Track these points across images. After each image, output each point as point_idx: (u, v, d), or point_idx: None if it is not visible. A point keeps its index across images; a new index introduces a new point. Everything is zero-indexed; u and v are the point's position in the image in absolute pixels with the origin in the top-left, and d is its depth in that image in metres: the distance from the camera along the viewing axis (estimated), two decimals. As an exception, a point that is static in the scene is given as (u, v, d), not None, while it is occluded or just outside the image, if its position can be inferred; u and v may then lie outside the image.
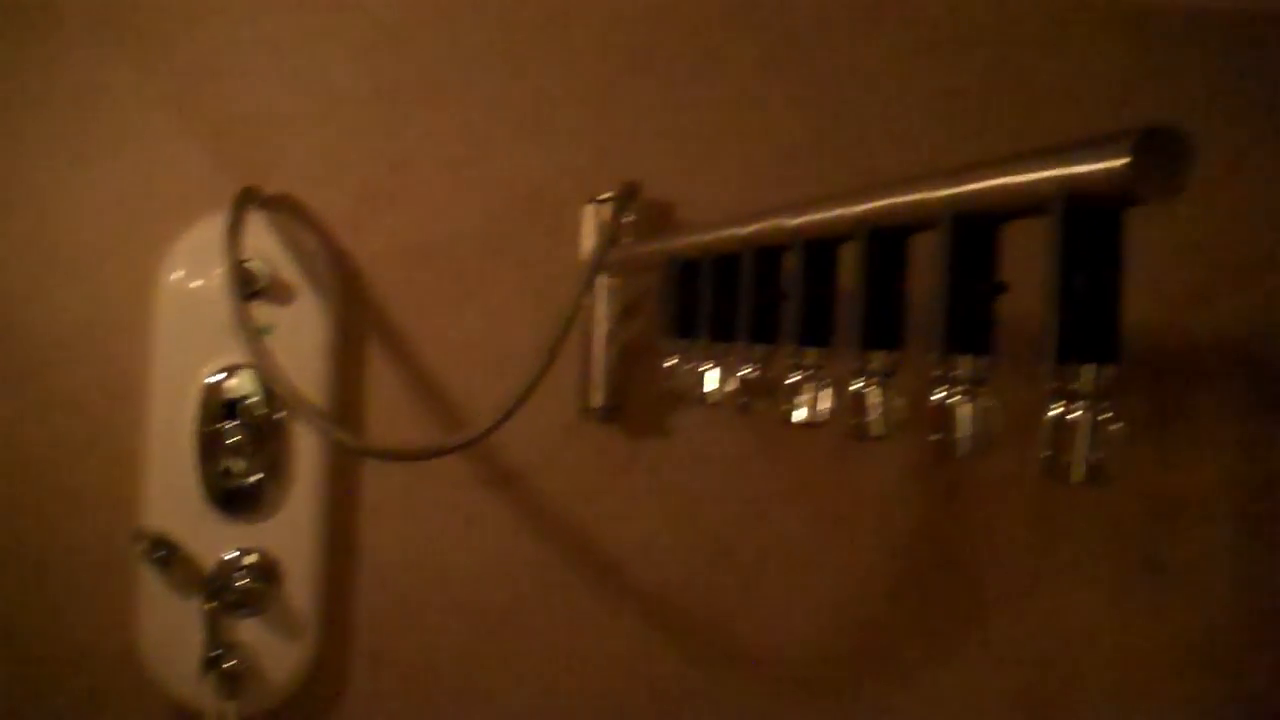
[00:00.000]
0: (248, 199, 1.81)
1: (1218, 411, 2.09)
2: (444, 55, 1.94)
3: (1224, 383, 2.09)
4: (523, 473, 1.96)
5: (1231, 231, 2.07)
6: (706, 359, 1.48)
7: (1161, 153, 0.78)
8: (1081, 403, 0.84)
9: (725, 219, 1.42)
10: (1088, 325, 0.84)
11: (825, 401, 1.20)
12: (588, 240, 1.93)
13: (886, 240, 1.08)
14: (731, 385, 1.41)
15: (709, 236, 1.46)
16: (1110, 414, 0.84)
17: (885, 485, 2.02)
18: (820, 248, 1.20)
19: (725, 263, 1.41)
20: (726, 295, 1.40)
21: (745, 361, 1.38)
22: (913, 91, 2.02)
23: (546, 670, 1.97)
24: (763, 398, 1.35)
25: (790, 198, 1.26)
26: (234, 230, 1.75)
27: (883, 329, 1.09)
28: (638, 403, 1.97)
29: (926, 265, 1.00)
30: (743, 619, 2.02)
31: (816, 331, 1.22)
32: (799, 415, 1.22)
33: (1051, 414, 0.85)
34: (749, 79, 1.99)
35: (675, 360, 1.60)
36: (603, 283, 1.92)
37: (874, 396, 1.10)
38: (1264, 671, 2.10)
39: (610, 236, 1.85)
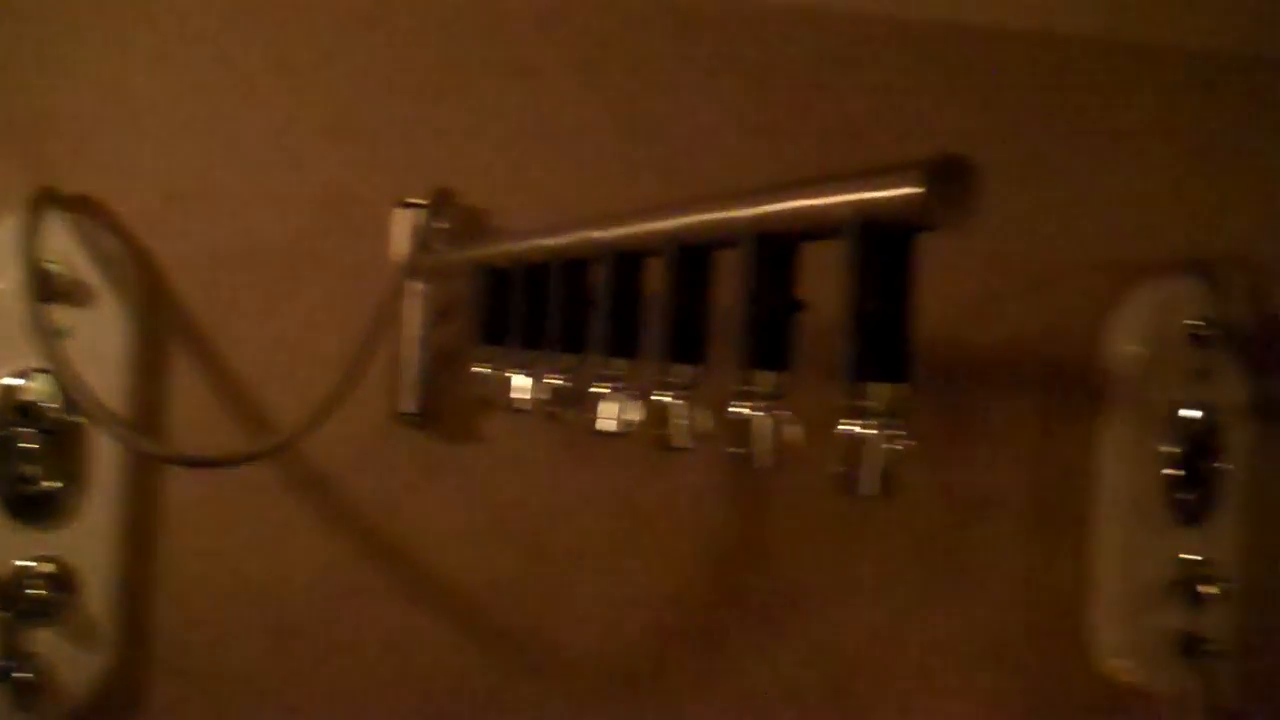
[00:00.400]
0: (44, 200, 1.75)
1: (1011, 415, 2.17)
2: (252, 56, 1.90)
3: (1016, 388, 2.17)
4: (332, 479, 1.94)
5: (1021, 242, 2.15)
6: (516, 366, 1.49)
7: (952, 181, 0.82)
8: (873, 420, 0.87)
9: (536, 229, 1.43)
10: (880, 346, 0.87)
11: (630, 412, 1.22)
12: (399, 244, 1.91)
13: (692, 256, 1.10)
14: (540, 393, 1.42)
15: (520, 246, 1.47)
16: (901, 431, 0.87)
17: (698, 489, 2.05)
18: (628, 261, 1.22)
19: (535, 272, 1.42)
20: (536, 304, 1.41)
21: (554, 370, 1.39)
22: (726, 106, 2.06)
23: (356, 680, 1.95)
24: (570, 406, 1.36)
25: (605, 207, 1.28)
26: (30, 231, 1.69)
27: (687, 343, 1.11)
28: (450, 408, 1.97)
29: (731, 281, 1.02)
30: (555, 623, 2.03)
31: (623, 343, 1.23)
32: (604, 425, 1.23)
33: (843, 430, 0.87)
34: (564, 88, 2.00)
35: (485, 367, 1.60)
36: (415, 287, 1.91)
37: (677, 409, 1.12)
38: (1053, 665, 2.19)
39: (422, 242, 1.85)
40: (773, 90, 2.07)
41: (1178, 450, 2.16)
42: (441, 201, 1.86)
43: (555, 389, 1.39)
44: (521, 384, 1.48)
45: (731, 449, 0.99)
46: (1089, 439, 2.19)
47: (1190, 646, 2.14)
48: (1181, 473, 2.16)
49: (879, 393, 0.87)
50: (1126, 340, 2.16)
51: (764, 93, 2.07)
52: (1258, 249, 2.23)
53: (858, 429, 0.87)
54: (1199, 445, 2.17)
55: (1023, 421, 2.18)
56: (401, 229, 1.91)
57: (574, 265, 1.33)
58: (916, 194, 0.81)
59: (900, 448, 0.88)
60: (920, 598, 2.16)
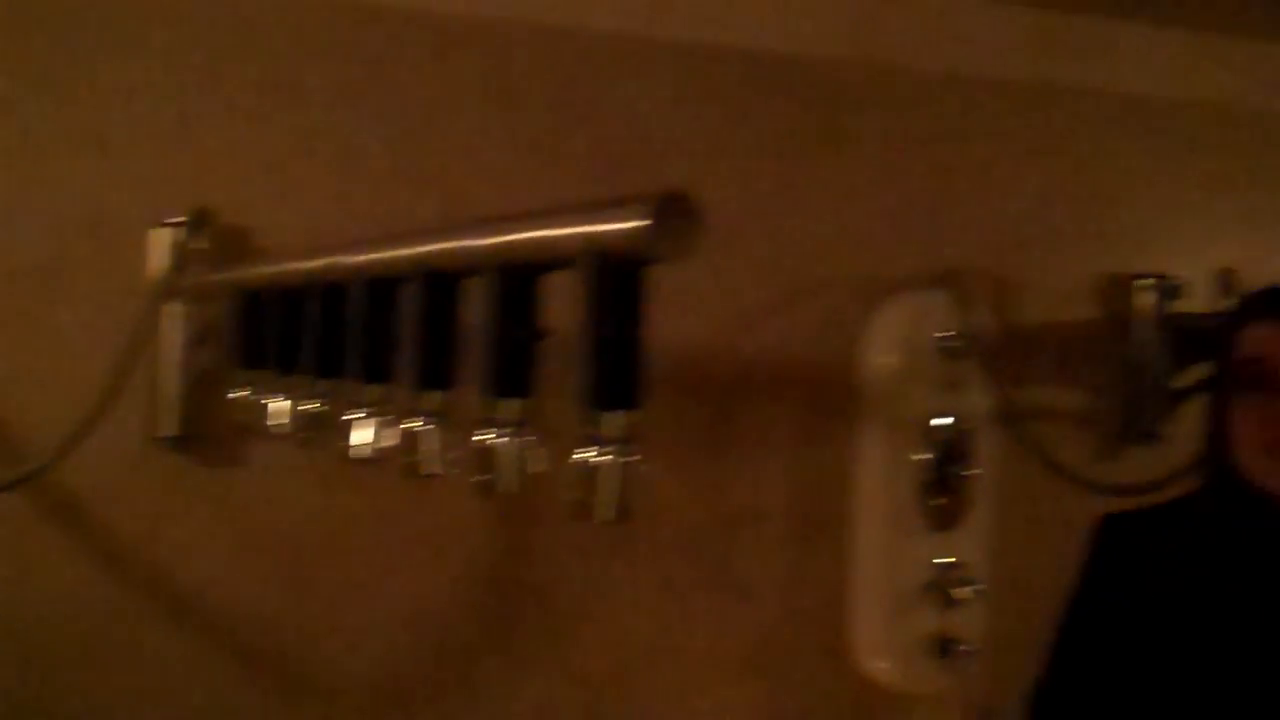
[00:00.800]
0: None
1: (773, 426, 2.23)
2: (2, 72, 1.84)
3: (777, 399, 2.23)
4: (87, 506, 1.88)
5: (778, 258, 2.21)
6: (273, 391, 1.47)
7: (678, 216, 0.85)
8: (608, 447, 0.89)
9: (293, 252, 1.42)
10: (614, 375, 0.89)
11: (384, 438, 1.22)
12: (155, 265, 1.86)
13: (441, 284, 1.11)
14: (296, 419, 1.41)
15: (274, 269, 1.45)
16: (636, 457, 0.90)
17: (464, 509, 2.05)
18: (380, 287, 1.22)
19: (292, 296, 1.41)
20: (292, 329, 1.40)
21: (310, 395, 1.38)
22: (491, 125, 2.06)
23: (118, 715, 1.90)
24: (327, 432, 1.35)
25: (372, 227, 1.27)
26: None
27: (436, 369, 1.12)
28: (211, 432, 1.92)
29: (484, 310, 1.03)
30: (322, 647, 2.01)
31: (377, 369, 1.23)
32: (358, 452, 1.23)
33: (579, 457, 0.90)
34: (328, 107, 1.98)
35: (243, 391, 1.58)
36: (175, 309, 1.87)
37: (427, 435, 1.12)
38: (815, 669, 2.26)
39: (178, 263, 1.81)
40: (536, 110, 2.09)
41: (930, 457, 2.25)
42: (200, 221, 1.82)
43: (311, 415, 1.38)
44: (278, 409, 1.46)
45: (476, 476, 1.01)
46: (847, 448, 2.26)
47: (944, 647, 2.24)
48: (934, 479, 2.26)
49: (613, 420, 0.90)
50: (879, 352, 2.25)
51: (528, 112, 2.08)
52: (1001, 262, 2.35)
53: (593, 456, 0.90)
54: (950, 452, 2.26)
55: (784, 432, 2.24)
56: (159, 249, 1.87)
57: (330, 290, 1.33)
58: (644, 227, 0.84)
59: (637, 471, 0.90)
60: (687, 608, 2.19)
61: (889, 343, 2.25)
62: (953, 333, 2.24)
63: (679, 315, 2.16)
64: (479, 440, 1.00)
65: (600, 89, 2.13)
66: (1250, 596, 1.31)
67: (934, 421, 2.26)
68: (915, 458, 2.25)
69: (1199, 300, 2.32)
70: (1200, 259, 2.36)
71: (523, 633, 2.12)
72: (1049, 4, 2.33)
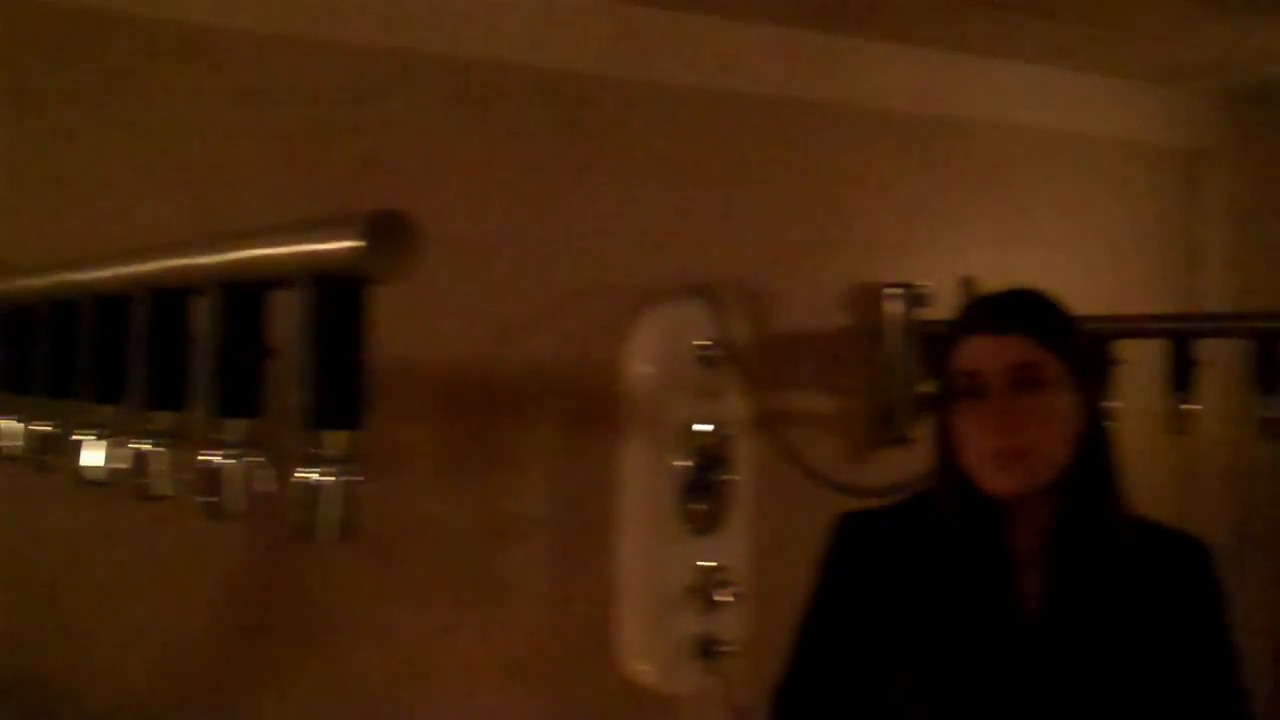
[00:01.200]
0: None
1: (537, 437, 2.25)
2: None
3: (542, 409, 2.24)
4: None
5: (540, 270, 2.22)
6: (4, 411, 1.42)
7: (394, 235, 0.86)
8: (330, 466, 0.90)
9: (23, 268, 1.38)
10: (335, 395, 0.89)
11: (115, 459, 1.19)
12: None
13: (168, 302, 1.10)
14: (29, 440, 1.37)
15: (2, 286, 1.41)
16: (359, 477, 0.90)
17: (220, 526, 2.00)
18: (111, 305, 1.19)
19: (22, 314, 1.36)
20: (23, 347, 1.36)
21: (42, 416, 1.34)
22: (252, 136, 2.02)
23: None
24: (60, 453, 1.31)
25: (125, 240, 1.23)
26: None
27: (165, 389, 1.10)
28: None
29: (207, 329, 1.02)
30: (75, 670, 1.93)
31: (109, 389, 1.20)
32: (89, 474, 1.20)
33: (301, 477, 0.90)
34: (71, 118, 1.92)
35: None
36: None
37: (157, 456, 1.10)
38: (582, 675, 2.28)
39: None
40: (297, 122, 2.06)
41: (690, 464, 2.30)
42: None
43: (43, 436, 1.34)
44: (10, 430, 1.42)
45: (202, 497, 0.99)
46: (611, 456, 2.29)
47: (707, 648, 2.29)
48: (695, 484, 2.31)
49: (335, 440, 0.90)
50: (640, 361, 2.28)
51: (288, 125, 2.05)
52: (758, 273, 2.42)
53: (314, 477, 0.90)
54: (710, 458, 2.32)
55: (549, 441, 2.26)
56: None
57: (59, 307, 1.29)
58: (359, 247, 0.84)
59: (359, 490, 0.91)
60: (454, 618, 2.19)
61: (649, 352, 2.29)
62: (710, 342, 2.29)
63: (441, 328, 2.17)
64: (205, 461, 0.99)
65: (361, 102, 2.11)
66: (970, 590, 1.38)
67: (695, 428, 2.31)
68: (676, 464, 2.30)
69: (944, 308, 2.42)
70: (946, 268, 2.47)
71: (285, 647, 2.08)
72: (793, 21, 2.40)
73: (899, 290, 2.50)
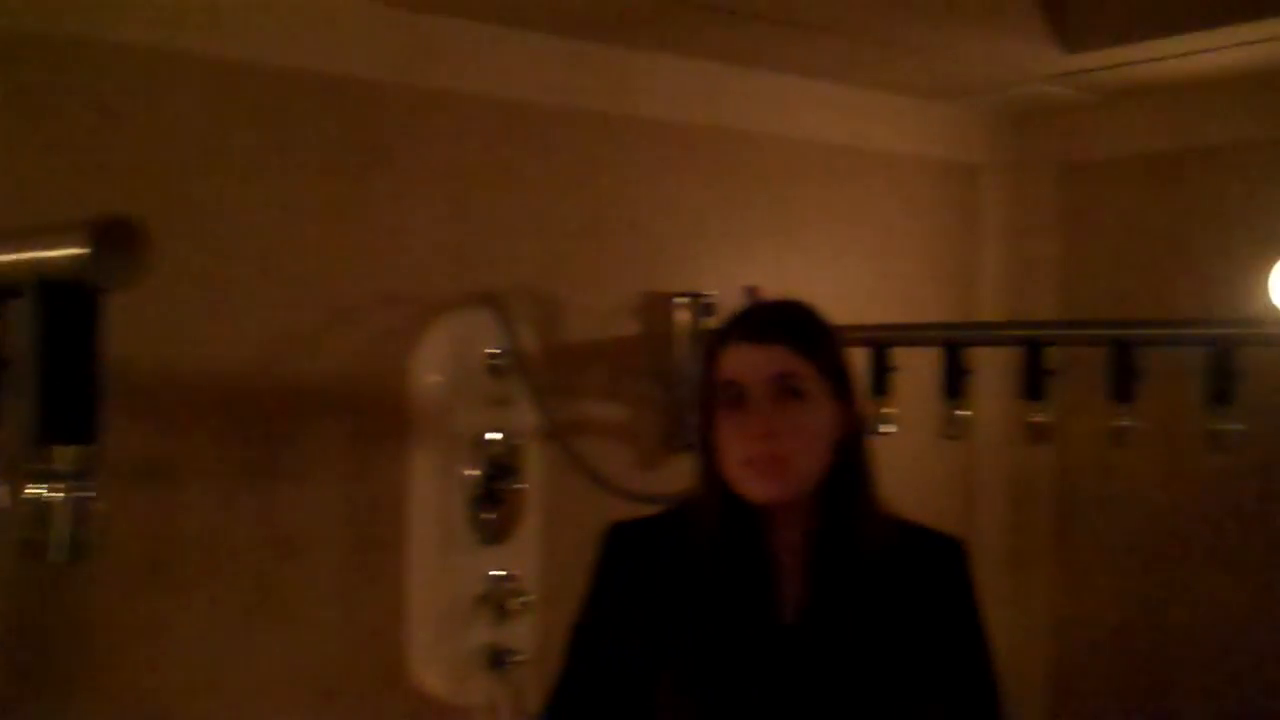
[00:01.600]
0: None
1: (324, 448, 2.20)
2: None
3: (327, 419, 2.20)
4: None
5: (325, 278, 2.18)
6: None
7: (120, 242, 0.83)
8: (60, 482, 0.87)
9: None
10: (65, 407, 0.87)
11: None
12: None
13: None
14: None
15: None
16: (91, 493, 0.88)
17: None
18: None
19: None
20: None
21: None
22: (15, 138, 1.94)
23: None
24: None
25: None
26: None
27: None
28: None
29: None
30: None
31: None
32: None
33: (30, 494, 0.86)
34: None
35: None
36: None
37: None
38: (373, 689, 2.25)
39: None
40: (65, 123, 1.98)
41: (480, 473, 2.30)
42: None
43: None
44: None
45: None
46: (399, 466, 2.27)
47: (497, 658, 2.29)
48: (484, 494, 2.30)
49: (65, 455, 0.87)
50: (429, 370, 2.26)
51: (57, 125, 1.97)
52: (548, 281, 2.42)
53: (45, 493, 0.87)
54: (500, 467, 2.31)
55: (335, 452, 2.22)
56: None
57: None
58: (84, 254, 0.82)
59: (93, 506, 0.88)
60: (240, 640, 2.12)
61: (438, 361, 2.27)
62: (499, 351, 2.29)
63: (221, 335, 2.11)
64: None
65: (134, 102, 2.04)
66: (730, 595, 1.40)
67: (485, 437, 2.30)
68: (466, 473, 2.29)
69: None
70: (733, 277, 2.52)
71: (59, 674, 1.99)
72: (580, 33, 2.41)
73: (687, 299, 2.53)
